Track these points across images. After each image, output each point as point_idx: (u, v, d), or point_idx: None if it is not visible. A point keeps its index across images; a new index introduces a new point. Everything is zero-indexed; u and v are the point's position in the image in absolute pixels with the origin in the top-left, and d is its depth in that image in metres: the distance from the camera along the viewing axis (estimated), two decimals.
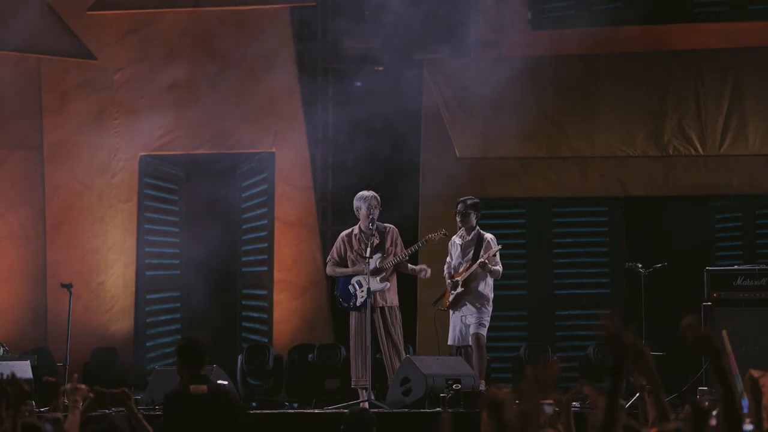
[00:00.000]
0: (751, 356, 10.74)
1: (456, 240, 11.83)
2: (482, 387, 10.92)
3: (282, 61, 15.33)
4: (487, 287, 11.65)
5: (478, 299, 11.57)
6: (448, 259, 11.92)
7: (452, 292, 11.65)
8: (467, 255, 11.67)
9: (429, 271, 11.65)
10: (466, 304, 11.59)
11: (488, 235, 11.74)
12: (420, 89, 14.93)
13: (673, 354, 12.45)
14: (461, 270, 11.65)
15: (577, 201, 14.82)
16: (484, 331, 11.53)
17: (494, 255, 11.56)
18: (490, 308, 11.64)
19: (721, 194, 14.53)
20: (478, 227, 11.77)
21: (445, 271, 11.88)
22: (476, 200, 11.85)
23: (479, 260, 11.51)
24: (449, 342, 11.77)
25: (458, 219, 11.76)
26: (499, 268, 11.63)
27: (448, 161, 14.74)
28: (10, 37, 15.00)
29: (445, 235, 11.71)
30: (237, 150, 15.45)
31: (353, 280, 11.56)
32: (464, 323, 11.58)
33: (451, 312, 11.71)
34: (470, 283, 11.58)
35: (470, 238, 11.70)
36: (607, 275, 14.68)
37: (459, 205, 11.78)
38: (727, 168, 14.37)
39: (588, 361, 13.77)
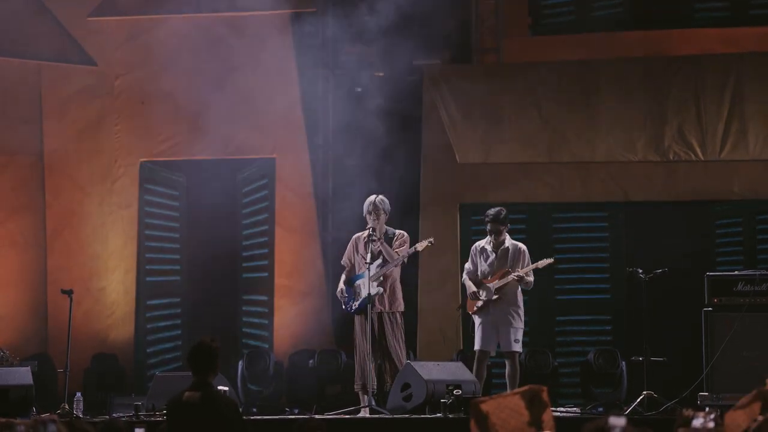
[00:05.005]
0: (751, 361, 10.73)
1: (486, 246, 11.66)
2: None
3: (282, 67, 15.33)
4: (520, 297, 11.59)
5: (514, 307, 11.49)
6: (468, 265, 11.79)
7: (481, 299, 11.49)
8: (504, 263, 11.58)
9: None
10: (499, 311, 11.46)
11: (523, 246, 11.65)
12: (420, 95, 14.94)
13: (674, 359, 12.46)
14: (492, 277, 11.53)
15: (578, 206, 14.81)
16: (519, 348, 11.51)
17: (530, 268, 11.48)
18: (523, 319, 11.57)
19: (722, 199, 14.51)
20: (508, 235, 11.68)
21: (465, 277, 11.76)
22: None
23: (516, 273, 11.43)
24: (477, 346, 11.57)
25: (494, 229, 11.55)
26: (531, 278, 11.56)
27: (448, 167, 14.75)
28: (10, 43, 15.02)
29: (431, 244, 11.58)
30: (237, 156, 15.46)
31: (355, 284, 11.57)
32: (496, 329, 11.46)
33: (476, 317, 11.63)
34: (505, 290, 11.49)
35: (505, 246, 11.61)
36: (608, 281, 14.67)
37: (491, 216, 11.57)
38: (728, 173, 14.36)
39: (588, 366, 13.75)
